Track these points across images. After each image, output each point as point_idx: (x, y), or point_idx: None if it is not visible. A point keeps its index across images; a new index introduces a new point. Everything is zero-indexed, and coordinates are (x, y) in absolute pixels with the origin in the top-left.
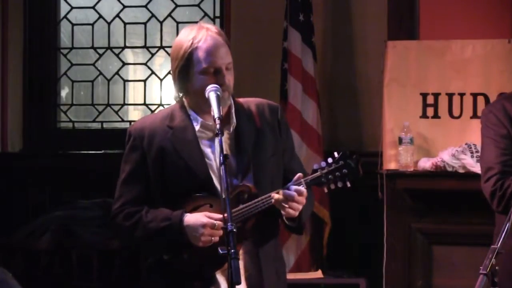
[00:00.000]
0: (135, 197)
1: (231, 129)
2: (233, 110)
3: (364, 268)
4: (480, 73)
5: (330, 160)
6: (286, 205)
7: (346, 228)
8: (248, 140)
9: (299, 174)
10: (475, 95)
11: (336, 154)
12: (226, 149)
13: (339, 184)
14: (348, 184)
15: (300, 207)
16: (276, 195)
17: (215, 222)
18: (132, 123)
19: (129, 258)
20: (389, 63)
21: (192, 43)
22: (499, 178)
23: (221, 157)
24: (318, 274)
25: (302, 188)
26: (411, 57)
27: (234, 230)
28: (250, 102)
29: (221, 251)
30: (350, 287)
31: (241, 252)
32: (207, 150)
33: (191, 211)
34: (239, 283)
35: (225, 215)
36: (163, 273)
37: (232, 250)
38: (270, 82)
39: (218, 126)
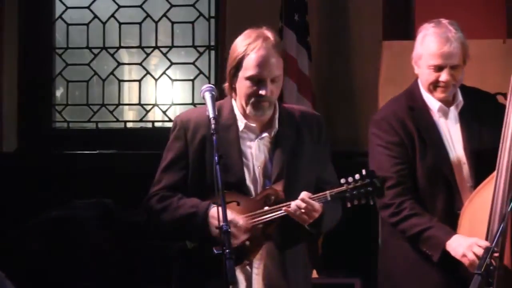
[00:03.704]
0: (173, 183)
1: (272, 133)
2: (276, 116)
3: (359, 268)
4: (475, 73)
5: (357, 176)
6: (296, 215)
7: (342, 227)
8: (286, 147)
9: (304, 193)
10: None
11: (364, 171)
12: (265, 152)
13: (363, 201)
14: (371, 202)
15: (307, 218)
16: (292, 204)
17: (238, 220)
18: (178, 115)
19: (123, 258)
20: (385, 63)
21: (245, 49)
22: (397, 193)
23: (216, 157)
24: (313, 274)
25: (313, 203)
26: (407, 57)
27: (229, 230)
28: (295, 109)
29: (216, 251)
30: (345, 287)
31: (262, 254)
32: (247, 151)
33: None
34: (234, 283)
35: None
36: (186, 264)
37: (227, 250)
38: None
39: (213, 126)
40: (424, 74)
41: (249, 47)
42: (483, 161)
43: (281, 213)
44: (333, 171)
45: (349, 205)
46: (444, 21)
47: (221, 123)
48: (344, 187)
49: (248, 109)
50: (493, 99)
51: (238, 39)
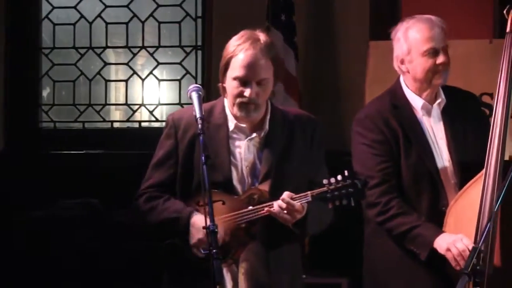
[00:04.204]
0: (161, 182)
1: (262, 134)
2: (268, 117)
3: (346, 268)
4: (462, 74)
5: (339, 177)
6: (278, 215)
7: (328, 227)
8: (276, 148)
9: (286, 193)
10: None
11: (346, 172)
12: (254, 153)
13: (344, 202)
14: (352, 203)
15: (289, 218)
16: (274, 204)
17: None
18: (171, 113)
19: (110, 258)
20: (371, 63)
21: (234, 50)
22: (383, 191)
23: (203, 157)
24: None
25: (293, 203)
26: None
27: (216, 230)
28: (290, 112)
29: (203, 251)
30: (332, 287)
31: (248, 253)
32: (236, 151)
33: (203, 205)
34: (221, 283)
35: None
36: (176, 263)
37: (214, 250)
38: None
39: (199, 126)
40: (418, 65)
41: (238, 48)
42: (466, 159)
43: (263, 213)
44: (327, 174)
45: (330, 205)
46: (417, 16)
47: (212, 123)
48: (325, 188)
49: (235, 110)
50: (474, 98)
51: (232, 39)
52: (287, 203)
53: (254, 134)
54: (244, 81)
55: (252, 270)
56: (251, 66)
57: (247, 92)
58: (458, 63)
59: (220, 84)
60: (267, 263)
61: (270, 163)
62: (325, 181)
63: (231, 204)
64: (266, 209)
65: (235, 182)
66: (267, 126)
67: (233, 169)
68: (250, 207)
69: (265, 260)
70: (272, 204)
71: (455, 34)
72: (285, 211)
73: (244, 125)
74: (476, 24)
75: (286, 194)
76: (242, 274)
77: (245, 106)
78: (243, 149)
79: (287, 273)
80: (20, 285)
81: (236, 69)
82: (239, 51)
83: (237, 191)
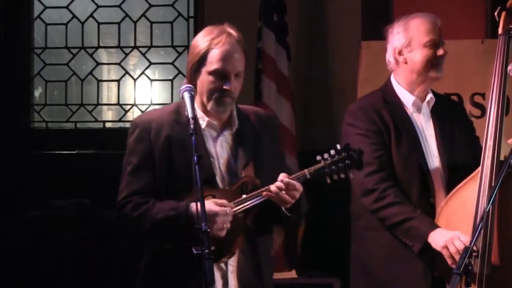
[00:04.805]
0: (142, 187)
1: (233, 130)
2: (235, 113)
3: (338, 268)
4: (453, 74)
5: (332, 151)
6: (278, 196)
7: (321, 227)
8: (248, 144)
9: (282, 174)
10: (448, 96)
11: (338, 146)
12: (227, 149)
13: (342, 175)
14: (351, 175)
15: (289, 199)
16: (272, 186)
17: (226, 209)
18: (138, 115)
19: (102, 258)
20: (363, 63)
21: (209, 44)
22: (381, 177)
23: (195, 157)
24: (293, 274)
25: (294, 182)
26: (385, 58)
27: (208, 230)
28: (248, 109)
29: (195, 251)
30: (324, 287)
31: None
32: (211, 149)
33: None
34: (212, 284)
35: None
36: (162, 267)
37: (206, 251)
38: (244, 82)
39: (192, 125)
40: (418, 55)
41: (213, 42)
42: (454, 159)
43: (261, 198)
44: (289, 168)
45: (329, 181)
46: (415, 13)
47: (183, 122)
48: (322, 164)
49: (210, 105)
50: (460, 104)
51: (198, 35)
52: (287, 183)
53: (226, 131)
54: (222, 75)
55: (241, 267)
56: (229, 59)
57: (227, 85)
58: (450, 63)
59: (184, 81)
60: (255, 259)
61: (247, 159)
62: (318, 157)
63: (222, 196)
64: (265, 193)
65: (218, 178)
66: (237, 122)
67: (212, 166)
68: (244, 196)
69: (252, 257)
70: (269, 187)
71: (447, 34)
72: (284, 192)
73: (215, 122)
74: (468, 24)
75: (283, 175)
76: (232, 272)
77: (222, 100)
78: (218, 146)
79: (270, 266)
80: (12, 285)
81: (214, 63)
82: (215, 45)
83: (220, 187)
